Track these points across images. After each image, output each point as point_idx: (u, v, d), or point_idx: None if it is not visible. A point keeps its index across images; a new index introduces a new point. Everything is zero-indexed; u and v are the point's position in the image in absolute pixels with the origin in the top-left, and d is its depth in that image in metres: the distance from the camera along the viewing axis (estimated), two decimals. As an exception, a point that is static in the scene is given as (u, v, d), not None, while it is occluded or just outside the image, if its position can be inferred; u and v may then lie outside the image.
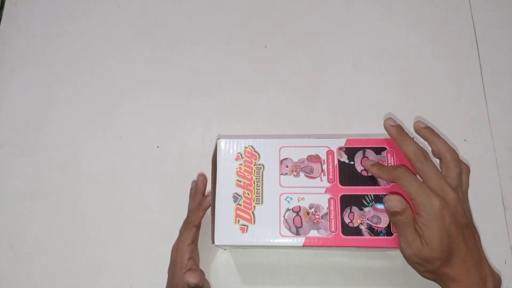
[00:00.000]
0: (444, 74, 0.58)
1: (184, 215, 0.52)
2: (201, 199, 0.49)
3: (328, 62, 0.59)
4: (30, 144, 0.59)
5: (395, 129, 0.40)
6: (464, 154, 0.54)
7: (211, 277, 0.51)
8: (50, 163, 0.57)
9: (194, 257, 0.46)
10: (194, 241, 0.47)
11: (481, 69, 0.58)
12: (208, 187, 0.52)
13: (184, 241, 0.46)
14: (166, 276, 0.48)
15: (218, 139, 0.44)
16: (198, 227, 0.48)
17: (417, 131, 0.42)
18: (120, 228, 0.54)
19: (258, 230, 0.41)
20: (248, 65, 0.60)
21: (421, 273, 0.38)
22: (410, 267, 0.39)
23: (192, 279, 0.43)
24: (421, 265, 0.37)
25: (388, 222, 0.41)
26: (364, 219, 0.42)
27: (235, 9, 0.63)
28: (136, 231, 0.54)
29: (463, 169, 0.40)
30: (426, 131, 0.41)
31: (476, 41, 0.59)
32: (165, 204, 0.55)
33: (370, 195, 0.42)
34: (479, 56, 0.58)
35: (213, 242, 0.41)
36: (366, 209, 0.42)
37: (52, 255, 0.54)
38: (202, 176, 0.52)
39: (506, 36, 0.59)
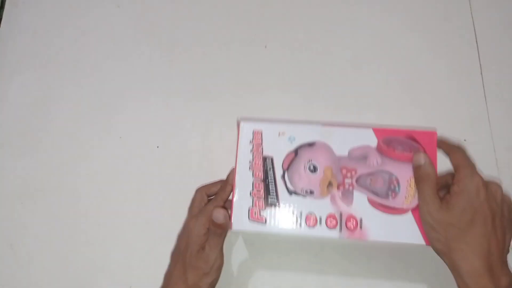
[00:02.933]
0: (444, 74, 0.58)
1: (184, 215, 0.52)
2: (228, 177, 0.47)
3: (328, 62, 0.59)
4: (30, 144, 0.59)
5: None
6: (464, 154, 0.54)
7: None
8: (50, 163, 0.57)
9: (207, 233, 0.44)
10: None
11: (481, 69, 0.58)
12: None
13: (207, 212, 0.44)
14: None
15: (231, 227, 0.42)
16: (225, 201, 0.45)
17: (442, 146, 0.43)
18: (120, 228, 0.54)
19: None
20: (248, 65, 0.60)
21: (433, 241, 0.37)
22: (412, 265, 0.39)
23: (219, 215, 0.42)
24: (434, 229, 0.37)
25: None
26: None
27: (235, 9, 0.63)
28: (136, 231, 0.54)
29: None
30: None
31: (476, 41, 0.59)
32: (165, 204, 0.55)
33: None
34: (479, 56, 0.58)
35: (230, 227, 0.42)
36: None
37: (52, 255, 0.54)
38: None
39: (506, 36, 0.59)
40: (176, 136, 0.57)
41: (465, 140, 0.55)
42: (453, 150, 0.40)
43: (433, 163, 0.39)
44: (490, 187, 0.37)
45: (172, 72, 0.60)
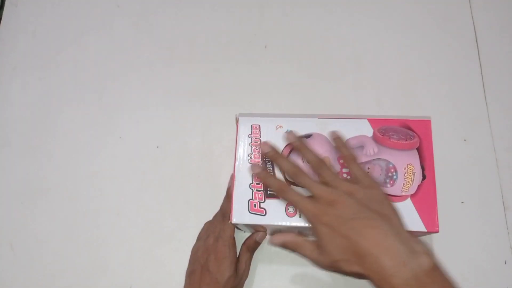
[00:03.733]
0: (444, 74, 0.58)
1: (184, 215, 0.52)
2: (228, 189, 0.49)
3: (328, 62, 0.59)
4: (30, 144, 0.59)
5: (272, 151, 0.42)
6: (464, 154, 0.54)
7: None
8: (50, 163, 0.57)
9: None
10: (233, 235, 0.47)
11: (481, 69, 0.58)
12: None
13: (226, 230, 0.46)
14: (166, 276, 0.48)
15: (230, 219, 0.42)
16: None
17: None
18: (120, 228, 0.54)
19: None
20: (248, 65, 0.60)
21: (351, 277, 0.37)
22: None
23: (263, 237, 0.48)
24: (338, 271, 0.36)
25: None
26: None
27: (235, 9, 0.63)
28: (136, 231, 0.54)
29: (348, 162, 0.40)
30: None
31: (476, 41, 0.59)
32: (165, 204, 0.55)
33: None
34: (479, 56, 0.58)
35: (230, 221, 0.42)
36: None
37: (52, 255, 0.54)
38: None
39: (506, 36, 0.59)
40: (176, 136, 0.57)
41: (465, 140, 0.55)
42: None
43: (287, 235, 0.39)
44: (322, 206, 0.37)
45: (172, 72, 0.60)
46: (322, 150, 0.41)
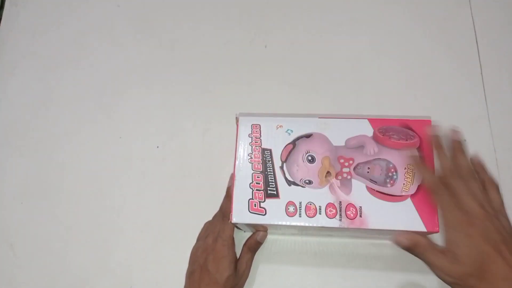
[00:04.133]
0: (444, 74, 0.58)
1: (184, 214, 0.52)
2: (228, 189, 0.49)
3: (328, 62, 0.59)
4: (30, 144, 0.59)
5: (435, 139, 0.40)
6: (464, 154, 0.54)
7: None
8: (50, 163, 0.57)
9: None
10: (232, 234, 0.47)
11: (481, 69, 0.58)
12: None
13: (226, 230, 0.45)
14: (166, 276, 0.48)
15: (230, 219, 0.42)
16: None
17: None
18: (120, 228, 0.54)
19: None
20: (248, 65, 0.60)
21: None
22: (413, 261, 0.39)
23: (264, 237, 0.48)
24: (457, 284, 0.36)
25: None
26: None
27: (235, 9, 0.63)
28: (136, 231, 0.54)
29: (488, 186, 0.40)
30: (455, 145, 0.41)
31: (476, 41, 0.59)
32: (165, 204, 0.55)
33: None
34: (479, 56, 0.58)
35: (230, 220, 0.42)
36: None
37: (52, 255, 0.54)
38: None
39: (506, 36, 0.59)
40: (176, 136, 0.57)
41: (465, 140, 0.55)
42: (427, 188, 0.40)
43: (417, 236, 0.38)
44: (476, 219, 0.37)
45: (172, 72, 0.60)
46: (323, 149, 0.41)
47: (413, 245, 0.38)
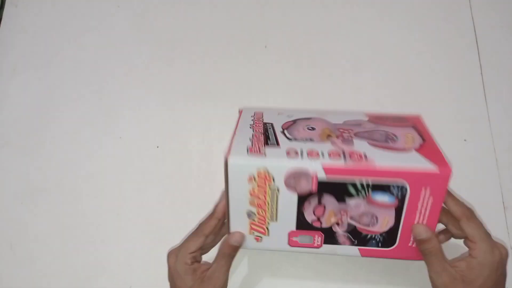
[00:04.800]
0: (444, 74, 0.58)
1: (184, 215, 0.52)
2: (214, 207, 0.43)
3: (328, 62, 0.59)
4: (30, 144, 0.59)
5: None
6: (464, 154, 0.54)
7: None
8: (50, 163, 0.58)
9: (198, 259, 0.42)
10: (197, 252, 0.42)
11: (481, 69, 0.58)
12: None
13: (187, 247, 0.41)
14: (166, 276, 0.48)
15: (227, 156, 0.38)
16: (207, 236, 0.42)
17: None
18: (120, 228, 0.54)
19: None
20: (248, 65, 0.60)
21: None
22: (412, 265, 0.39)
23: (239, 239, 0.40)
24: None
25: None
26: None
27: (235, 9, 0.63)
28: (136, 231, 0.54)
29: None
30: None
31: (476, 41, 0.59)
32: (165, 204, 0.55)
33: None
34: (479, 56, 0.58)
35: (227, 157, 0.39)
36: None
37: (52, 255, 0.54)
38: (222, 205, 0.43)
39: (506, 36, 0.59)
40: (176, 136, 0.57)
41: (465, 140, 0.55)
42: (468, 217, 0.39)
43: (435, 235, 0.38)
44: (503, 257, 0.38)
45: (172, 72, 0.60)
46: (322, 125, 0.42)
47: (429, 240, 0.37)
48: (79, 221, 0.55)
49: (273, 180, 0.38)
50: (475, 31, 0.59)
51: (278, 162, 0.37)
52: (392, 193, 0.37)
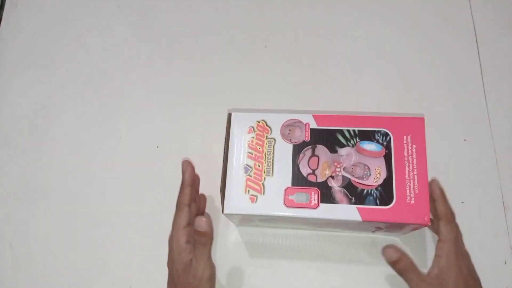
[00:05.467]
0: (444, 74, 0.58)
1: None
2: (182, 177, 0.44)
3: (328, 62, 0.59)
4: (30, 144, 0.59)
5: (439, 191, 0.43)
6: (464, 154, 0.54)
7: (220, 253, 0.52)
8: (50, 163, 0.58)
9: (191, 240, 0.42)
10: (190, 223, 0.42)
11: (481, 69, 0.58)
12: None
13: (178, 224, 0.42)
14: (165, 275, 0.48)
15: (230, 112, 0.44)
16: (189, 206, 0.43)
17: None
18: (120, 228, 0.54)
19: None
20: (248, 65, 0.60)
21: None
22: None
23: (201, 223, 0.40)
24: None
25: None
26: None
27: (235, 9, 0.63)
28: (136, 231, 0.54)
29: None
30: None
31: (476, 41, 0.59)
32: (165, 204, 0.54)
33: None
34: (479, 56, 0.58)
35: (223, 211, 0.41)
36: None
37: (52, 255, 0.54)
38: (186, 163, 0.45)
39: (506, 36, 0.59)
40: (176, 136, 0.57)
41: (465, 140, 0.55)
42: (449, 220, 0.42)
43: (405, 253, 0.41)
44: (466, 257, 0.42)
45: (172, 72, 0.60)
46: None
47: (399, 259, 0.41)
48: (79, 221, 0.55)
49: (271, 130, 0.43)
50: (475, 31, 0.59)
51: (276, 115, 0.43)
52: (378, 141, 0.42)
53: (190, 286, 0.41)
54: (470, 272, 0.42)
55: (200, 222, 0.40)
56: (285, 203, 0.41)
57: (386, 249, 0.41)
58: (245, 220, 0.46)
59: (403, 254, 0.41)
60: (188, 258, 0.41)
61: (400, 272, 0.41)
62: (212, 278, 0.42)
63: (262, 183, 0.42)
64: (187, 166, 0.44)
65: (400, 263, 0.41)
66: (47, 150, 0.58)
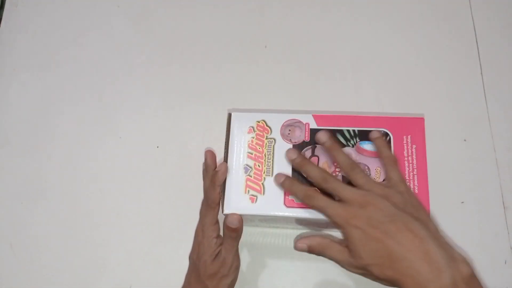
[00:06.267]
0: (444, 74, 0.58)
1: (184, 214, 0.52)
2: (212, 175, 0.44)
3: (328, 62, 0.59)
4: (30, 144, 0.59)
5: (299, 158, 0.41)
6: (464, 154, 0.54)
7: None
8: (50, 163, 0.57)
9: (219, 235, 0.45)
10: (217, 223, 0.45)
11: (481, 69, 0.58)
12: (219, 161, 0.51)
13: (210, 222, 0.44)
14: (166, 275, 0.48)
15: (230, 112, 0.45)
16: (219, 204, 0.44)
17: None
18: (120, 228, 0.54)
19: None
20: (248, 65, 0.60)
21: (380, 282, 0.36)
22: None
23: (234, 221, 0.42)
24: (364, 274, 0.37)
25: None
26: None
27: (235, 9, 0.63)
28: (136, 231, 0.54)
29: (386, 164, 0.41)
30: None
31: (476, 41, 0.59)
32: (165, 204, 0.55)
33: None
34: (479, 56, 0.58)
35: (223, 211, 0.42)
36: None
37: (52, 255, 0.54)
38: (210, 153, 0.46)
39: (506, 36, 0.59)
40: (176, 136, 0.57)
41: (465, 140, 0.55)
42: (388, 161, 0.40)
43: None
44: (359, 208, 0.37)
45: (172, 72, 0.61)
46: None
47: (311, 248, 0.39)
48: (79, 221, 0.55)
49: (271, 130, 0.44)
50: (475, 31, 0.59)
51: (276, 115, 0.44)
52: None
53: (219, 273, 0.43)
54: (374, 220, 0.35)
55: (233, 220, 0.42)
56: (285, 203, 0.41)
57: (296, 244, 0.40)
58: (245, 220, 0.46)
59: (311, 242, 0.39)
60: (218, 250, 0.44)
61: (322, 255, 0.39)
62: (238, 268, 0.45)
63: (262, 183, 0.42)
64: (221, 166, 0.43)
65: (316, 250, 0.39)
66: (47, 150, 0.58)
